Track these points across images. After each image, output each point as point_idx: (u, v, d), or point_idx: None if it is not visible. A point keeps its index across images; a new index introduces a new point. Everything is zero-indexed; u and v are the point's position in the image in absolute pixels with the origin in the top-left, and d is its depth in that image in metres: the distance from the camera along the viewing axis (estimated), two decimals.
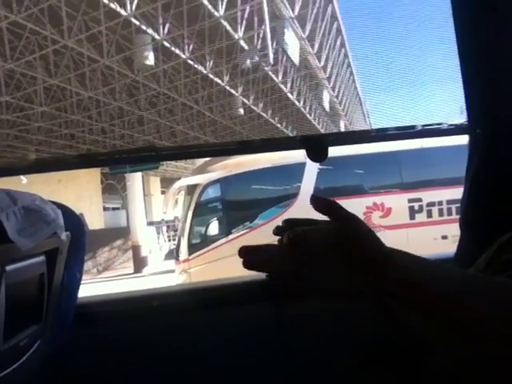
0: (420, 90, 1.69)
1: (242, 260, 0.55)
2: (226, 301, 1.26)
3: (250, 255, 0.56)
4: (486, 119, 1.26)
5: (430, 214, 7.81)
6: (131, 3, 9.05)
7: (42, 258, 0.89)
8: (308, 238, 0.55)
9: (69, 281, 1.02)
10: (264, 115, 13.59)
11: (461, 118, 1.33)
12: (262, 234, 8.04)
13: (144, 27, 9.85)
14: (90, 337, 1.16)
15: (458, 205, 1.33)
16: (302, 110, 13.41)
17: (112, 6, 8.92)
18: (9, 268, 0.77)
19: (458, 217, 1.34)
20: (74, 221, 1.03)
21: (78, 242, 1.04)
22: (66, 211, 0.98)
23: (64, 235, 0.91)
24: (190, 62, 11.11)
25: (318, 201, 0.56)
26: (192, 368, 1.19)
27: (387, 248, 0.55)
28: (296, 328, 1.23)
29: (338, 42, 11.61)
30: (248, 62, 11.30)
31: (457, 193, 1.36)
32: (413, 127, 1.36)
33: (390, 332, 0.92)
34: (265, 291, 1.29)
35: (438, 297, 0.53)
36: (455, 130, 1.34)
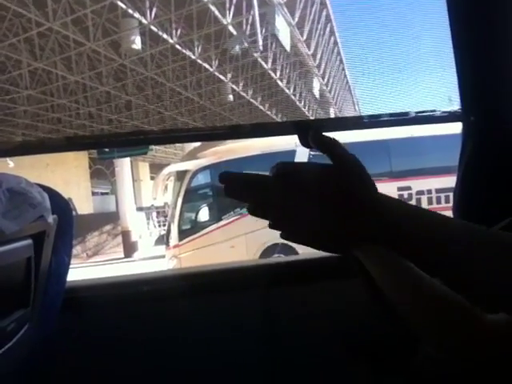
0: (413, 77, 1.68)
1: (224, 186, 0.53)
2: (215, 287, 1.25)
3: (232, 182, 0.53)
4: (480, 107, 1.26)
5: (419, 203, 7.87)
6: None
7: (28, 242, 0.87)
8: (297, 171, 0.53)
9: (56, 265, 1.00)
10: (253, 102, 13.53)
11: (452, 106, 1.33)
12: (253, 220, 8.02)
13: (131, 11, 9.70)
14: (78, 322, 1.14)
15: (448, 193, 1.33)
16: (292, 97, 13.37)
17: None
18: None
19: (446, 205, 1.34)
20: (61, 204, 1.01)
21: (65, 226, 1.02)
22: (53, 194, 0.96)
23: (51, 218, 0.89)
24: (177, 46, 10.98)
25: (316, 135, 0.54)
26: (181, 353, 1.18)
27: (378, 192, 0.53)
28: (284, 314, 1.24)
29: (328, 30, 11.55)
30: (237, 47, 11.21)
31: (446, 181, 1.37)
32: (406, 114, 1.35)
33: (379, 320, 0.92)
34: (254, 277, 1.29)
35: (423, 241, 0.51)
36: (449, 117, 1.34)
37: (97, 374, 1.14)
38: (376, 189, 0.53)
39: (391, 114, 1.32)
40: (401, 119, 1.32)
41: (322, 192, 0.51)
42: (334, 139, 0.54)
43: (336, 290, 1.21)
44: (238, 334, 1.20)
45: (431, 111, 1.32)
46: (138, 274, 1.39)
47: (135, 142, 1.15)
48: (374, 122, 1.31)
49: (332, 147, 0.53)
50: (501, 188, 1.24)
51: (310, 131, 0.54)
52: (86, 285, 1.24)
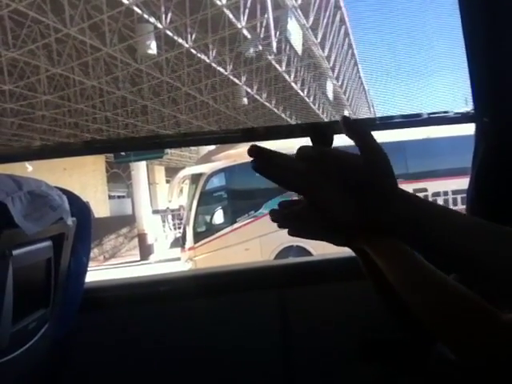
0: (426, 78, 1.67)
1: (251, 158, 0.53)
2: (230, 287, 1.27)
3: (262, 158, 0.54)
4: (493, 107, 1.26)
5: None
6: None
7: (48, 243, 0.90)
8: (323, 156, 0.54)
9: (75, 266, 1.02)
10: (268, 105, 13.54)
11: (467, 107, 1.33)
12: (267, 223, 8.04)
13: (146, 16, 9.80)
14: (97, 321, 1.17)
15: (464, 195, 1.32)
16: (306, 99, 13.35)
17: None
18: (15, 252, 0.78)
19: (463, 207, 1.34)
20: (79, 206, 1.03)
21: (84, 228, 1.04)
22: (72, 197, 0.99)
23: (70, 220, 0.92)
24: (192, 51, 11.05)
25: (350, 124, 0.55)
26: (196, 352, 1.20)
27: (400, 188, 0.54)
28: (298, 314, 1.25)
29: (342, 32, 11.52)
30: (251, 50, 11.24)
31: (462, 183, 1.36)
32: (419, 115, 1.35)
33: (390, 319, 0.92)
34: (268, 278, 1.30)
35: (440, 239, 0.52)
36: (462, 118, 1.34)
37: (113, 371, 1.16)
38: (397, 184, 0.55)
39: (404, 116, 1.32)
40: (413, 120, 1.32)
41: (347, 179, 0.53)
42: (367, 130, 0.55)
43: (350, 290, 1.21)
44: (253, 334, 1.21)
45: (444, 112, 1.32)
46: (154, 274, 1.41)
47: (151, 146, 1.17)
48: (387, 123, 1.31)
49: (364, 138, 0.54)
50: None
51: (343, 119, 0.55)
52: (104, 285, 1.27)
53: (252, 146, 0.53)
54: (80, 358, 1.15)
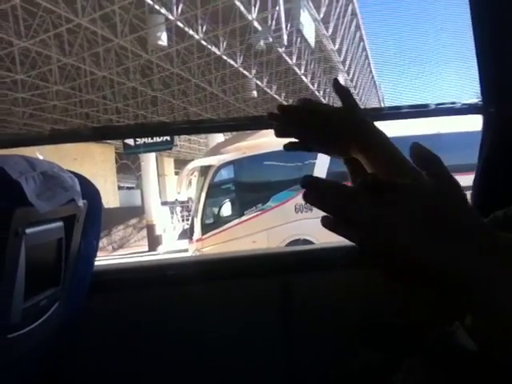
0: (435, 69, 1.68)
1: (303, 191, 0.45)
2: (235, 273, 1.29)
3: (315, 187, 0.46)
4: (500, 99, 1.26)
5: None
6: None
7: (59, 224, 0.92)
8: (390, 187, 0.45)
9: (85, 247, 1.05)
10: (278, 98, 13.52)
11: (475, 98, 1.33)
12: (275, 216, 8.11)
13: (157, 7, 9.80)
14: (105, 304, 1.19)
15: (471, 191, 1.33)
16: (316, 93, 13.30)
17: None
18: (28, 231, 0.80)
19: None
20: (90, 190, 1.06)
21: (94, 211, 1.07)
22: (83, 180, 1.01)
23: (81, 202, 0.94)
24: (203, 42, 11.05)
25: (420, 149, 0.48)
26: (200, 336, 1.22)
27: (481, 218, 0.47)
28: (302, 301, 1.26)
29: (353, 25, 11.45)
30: (262, 43, 11.21)
31: (470, 180, 1.36)
32: (426, 106, 1.36)
33: (396, 307, 0.94)
34: (273, 264, 1.32)
35: None
36: (469, 109, 1.34)
37: (119, 353, 1.19)
38: (481, 218, 0.47)
39: (411, 106, 1.33)
40: (421, 111, 1.33)
41: (424, 212, 0.44)
42: (436, 156, 0.48)
43: (352, 278, 1.23)
44: (256, 320, 1.24)
45: (451, 103, 1.33)
46: (162, 259, 1.43)
47: (159, 133, 1.19)
48: (394, 113, 1.32)
49: (434, 164, 0.47)
50: None
51: (412, 146, 0.48)
52: (112, 269, 1.30)
53: (304, 178, 0.45)
54: (87, 340, 1.18)
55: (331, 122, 0.80)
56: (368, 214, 0.44)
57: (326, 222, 0.46)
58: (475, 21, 1.20)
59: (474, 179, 1.33)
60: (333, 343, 1.21)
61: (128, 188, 21.26)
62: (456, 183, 0.47)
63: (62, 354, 1.14)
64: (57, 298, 0.96)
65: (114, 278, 1.25)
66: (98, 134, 1.17)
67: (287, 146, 0.87)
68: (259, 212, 8.16)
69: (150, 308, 1.23)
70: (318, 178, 0.46)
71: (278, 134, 0.84)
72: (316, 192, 0.45)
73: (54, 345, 1.06)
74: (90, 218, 1.05)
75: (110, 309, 1.21)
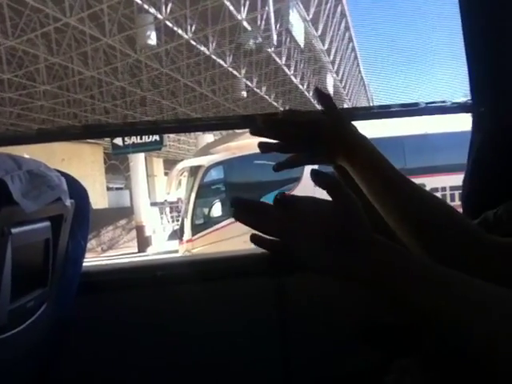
0: (425, 69, 1.68)
1: (233, 210, 0.56)
2: (227, 273, 1.28)
3: (240, 207, 0.56)
4: (490, 98, 1.26)
5: None
6: None
7: (46, 224, 0.90)
8: (298, 203, 0.54)
9: (73, 248, 1.03)
10: (267, 98, 13.52)
11: (465, 97, 1.33)
12: None
13: (146, 6, 9.76)
14: (94, 304, 1.18)
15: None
16: (306, 93, 13.33)
17: None
18: (15, 231, 0.79)
19: (460, 203, 1.33)
20: (78, 190, 1.04)
21: (82, 211, 1.05)
22: (70, 180, 0.99)
23: (68, 201, 0.93)
24: (192, 42, 11.02)
25: (318, 176, 0.55)
26: (191, 337, 1.21)
27: (377, 238, 0.53)
28: (294, 301, 1.25)
29: (343, 25, 11.49)
30: (251, 43, 11.21)
31: (460, 179, 1.37)
32: (416, 104, 1.36)
33: (387, 309, 0.93)
34: (264, 265, 1.31)
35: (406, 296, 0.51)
36: (459, 108, 1.34)
37: (109, 355, 1.18)
38: (371, 231, 0.54)
39: (401, 105, 1.33)
40: (411, 110, 1.33)
41: (320, 227, 0.52)
42: (337, 180, 0.55)
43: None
44: (250, 320, 1.22)
45: (441, 102, 1.33)
46: (151, 259, 1.42)
47: (148, 131, 1.18)
48: (385, 112, 1.32)
49: (336, 188, 0.54)
50: (511, 180, 1.24)
51: (312, 173, 0.55)
52: (101, 269, 1.28)
53: (233, 199, 0.56)
54: (77, 341, 1.16)
55: (316, 133, 0.80)
56: (274, 228, 0.54)
57: (252, 238, 0.56)
58: (465, 20, 1.20)
59: (464, 179, 1.33)
60: (328, 343, 1.20)
61: (117, 189, 21.13)
62: (353, 203, 0.53)
63: (52, 357, 1.13)
64: (44, 300, 0.94)
65: (103, 279, 1.23)
66: (86, 133, 1.15)
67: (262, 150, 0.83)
68: None
69: (141, 309, 1.22)
70: (243, 200, 0.56)
71: (263, 150, 0.82)
72: (241, 210, 0.55)
73: (43, 347, 1.04)
74: (78, 217, 1.03)
75: (99, 310, 1.19)
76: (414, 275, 0.51)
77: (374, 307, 1.04)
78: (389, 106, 1.34)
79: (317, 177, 0.54)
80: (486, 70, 1.24)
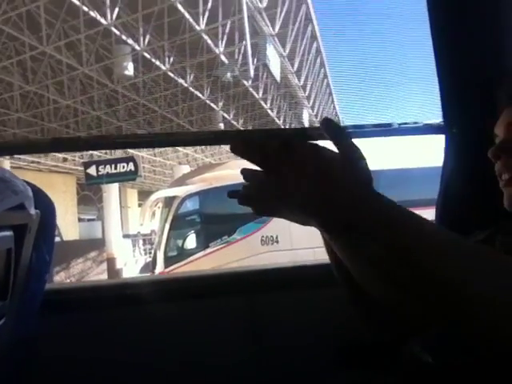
0: (396, 91, 1.70)
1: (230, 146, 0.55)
2: (201, 291, 1.24)
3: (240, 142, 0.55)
4: (462, 119, 1.29)
5: None
6: (111, 13, 9.05)
7: (9, 233, 0.86)
8: (305, 146, 0.53)
9: (37, 261, 0.98)
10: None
11: (437, 119, 1.36)
12: (240, 248, 8.02)
13: (124, 37, 9.85)
14: (60, 324, 1.12)
15: None
16: (282, 127, 13.53)
17: (92, 14, 8.90)
18: None
19: None
20: (44, 201, 1.00)
21: (47, 223, 1.01)
22: (36, 190, 0.96)
23: (33, 210, 0.89)
24: (170, 74, 11.12)
25: (329, 124, 0.55)
26: (162, 357, 1.16)
27: (373, 189, 0.54)
28: (269, 319, 1.23)
29: (318, 62, 11.80)
30: (229, 76, 11.38)
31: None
32: (389, 125, 1.37)
33: (363, 324, 0.91)
34: (240, 283, 1.28)
35: (400, 243, 0.50)
36: (431, 129, 1.36)
37: (77, 374, 1.11)
38: (372, 185, 0.54)
39: (375, 125, 1.34)
40: (384, 130, 1.34)
41: (321, 172, 0.52)
42: (343, 130, 0.56)
43: (322, 297, 1.20)
44: (223, 339, 1.19)
45: (414, 123, 1.35)
46: (122, 278, 1.37)
47: (120, 145, 1.16)
48: (358, 132, 1.33)
49: (341, 137, 0.55)
50: (483, 200, 1.25)
51: (323, 121, 0.56)
52: (69, 287, 1.23)
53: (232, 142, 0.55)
54: (43, 362, 1.10)
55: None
56: (277, 161, 0.52)
57: (244, 171, 0.58)
58: (436, 41, 1.23)
59: (437, 200, 1.34)
60: (300, 362, 1.17)
61: (89, 220, 20.75)
62: (358, 155, 0.54)
63: (16, 377, 1.06)
64: (4, 313, 0.89)
65: (70, 298, 1.18)
66: (56, 145, 1.12)
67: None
68: (225, 244, 8.07)
69: (109, 328, 1.16)
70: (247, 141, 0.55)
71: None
72: (243, 144, 0.54)
73: (4, 366, 0.98)
74: (43, 230, 0.99)
75: (66, 330, 1.13)
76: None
77: (347, 323, 1.02)
78: (362, 126, 1.35)
79: (326, 125, 0.55)
80: (458, 92, 1.27)
